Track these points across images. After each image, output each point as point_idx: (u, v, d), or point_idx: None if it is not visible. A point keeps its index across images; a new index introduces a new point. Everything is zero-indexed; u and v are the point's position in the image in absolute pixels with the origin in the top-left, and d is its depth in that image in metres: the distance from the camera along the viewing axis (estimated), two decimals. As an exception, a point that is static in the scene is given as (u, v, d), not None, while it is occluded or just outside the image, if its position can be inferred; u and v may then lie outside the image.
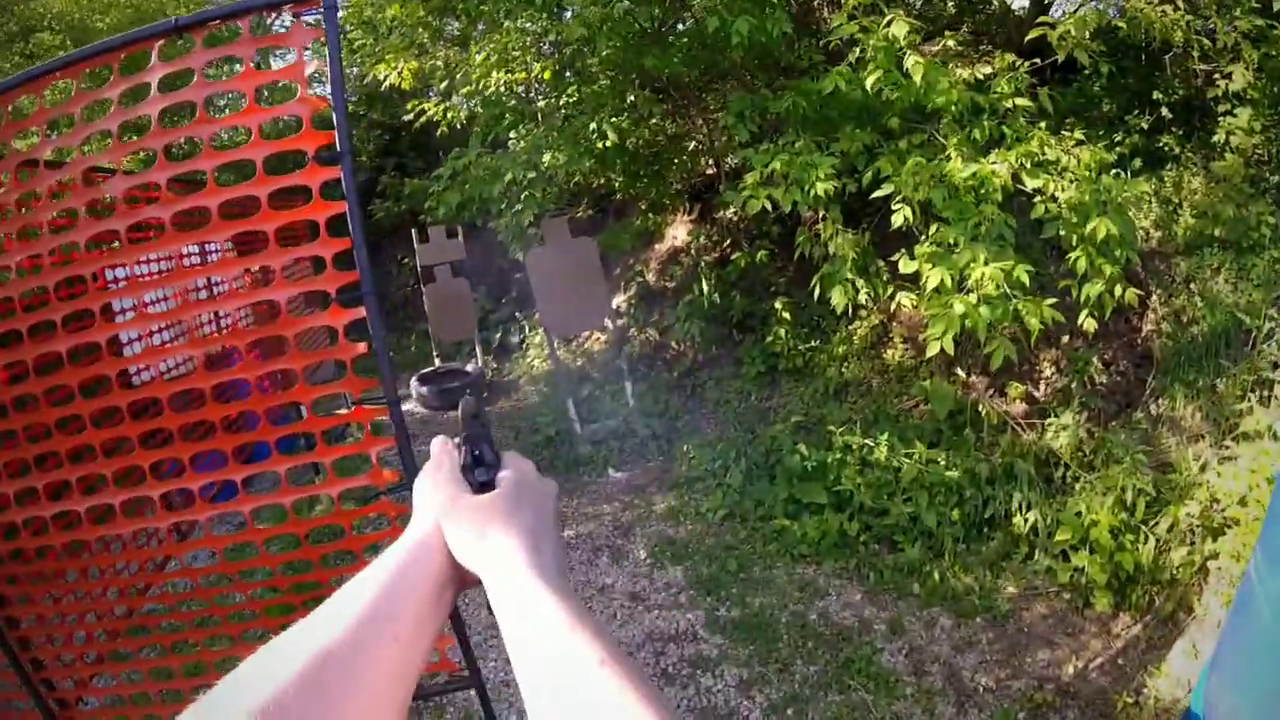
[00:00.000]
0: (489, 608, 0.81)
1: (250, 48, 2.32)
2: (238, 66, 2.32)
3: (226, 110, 8.45)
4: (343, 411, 2.87)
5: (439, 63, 8.48)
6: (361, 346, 2.32)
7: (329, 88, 2.30)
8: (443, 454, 0.97)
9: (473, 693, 3.03)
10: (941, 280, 4.96)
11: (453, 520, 0.86)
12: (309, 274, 3.20)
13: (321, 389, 2.48)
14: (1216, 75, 6.28)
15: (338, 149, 2.22)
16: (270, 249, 2.29)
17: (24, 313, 2.50)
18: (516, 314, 11.32)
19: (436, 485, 0.92)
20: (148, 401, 2.60)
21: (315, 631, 0.72)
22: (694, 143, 9.30)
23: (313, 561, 2.76)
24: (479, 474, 0.95)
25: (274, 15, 2.49)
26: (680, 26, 7.72)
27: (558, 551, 0.86)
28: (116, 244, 2.45)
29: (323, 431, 2.54)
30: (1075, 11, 6.81)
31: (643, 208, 10.06)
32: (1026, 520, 5.34)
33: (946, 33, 6.46)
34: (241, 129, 2.34)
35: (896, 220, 5.34)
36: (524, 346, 10.88)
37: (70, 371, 2.51)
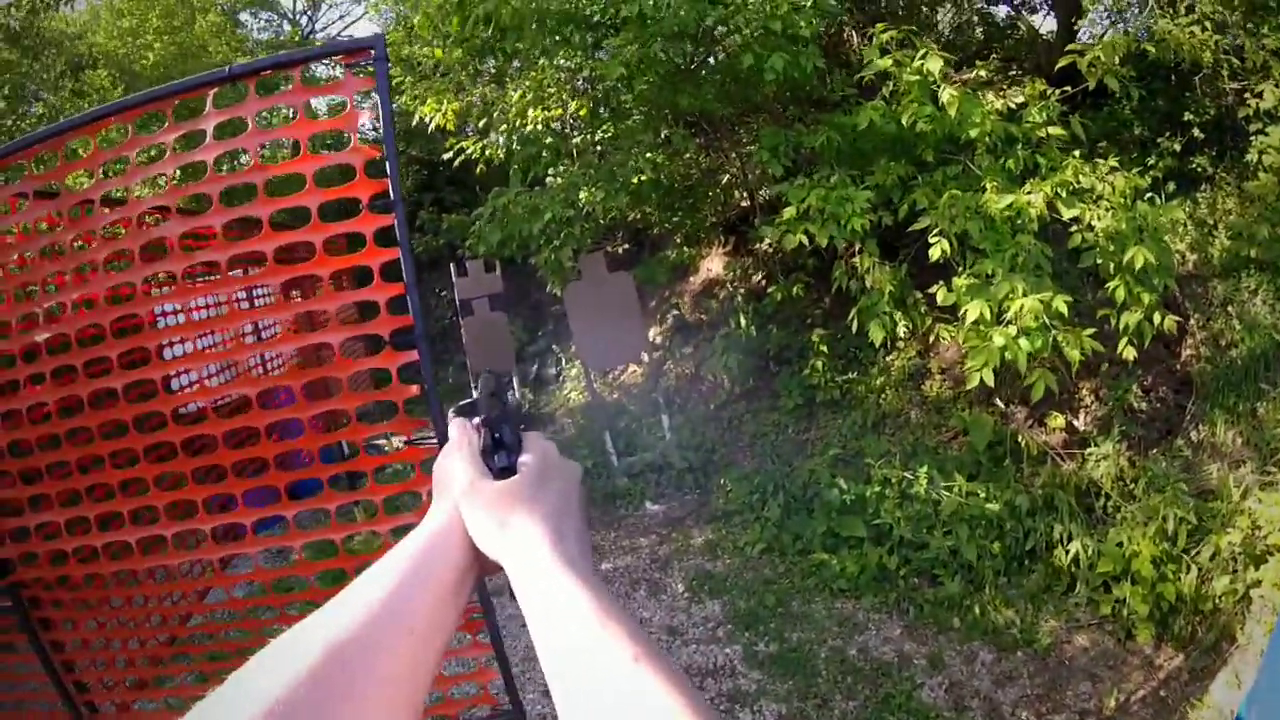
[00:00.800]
0: (511, 594, 0.78)
1: (302, 97, 2.40)
2: (286, 111, 2.40)
3: (276, 154, 8.64)
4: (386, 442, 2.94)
5: (475, 99, 8.60)
6: (414, 389, 2.38)
7: (378, 122, 2.38)
8: (461, 436, 0.92)
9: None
10: (980, 312, 4.96)
11: (473, 506, 0.82)
12: (354, 317, 3.29)
13: (375, 428, 2.54)
14: (1247, 94, 6.26)
15: (390, 197, 2.28)
16: (325, 293, 2.36)
17: (79, 348, 2.59)
18: (553, 346, 11.38)
19: (455, 469, 0.88)
20: (199, 438, 2.67)
21: (326, 625, 0.70)
22: (727, 176, 9.35)
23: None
24: (499, 457, 0.90)
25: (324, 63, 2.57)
26: (711, 61, 7.78)
27: (583, 537, 0.83)
28: (164, 283, 2.54)
29: (374, 469, 2.60)
30: (1103, 36, 6.83)
31: (678, 241, 10.12)
32: (1068, 552, 5.29)
33: (977, 62, 6.48)
34: (294, 174, 2.41)
35: (934, 254, 5.35)
36: (560, 379, 10.93)
37: (124, 408, 2.59)
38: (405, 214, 2.36)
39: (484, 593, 2.64)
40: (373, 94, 2.39)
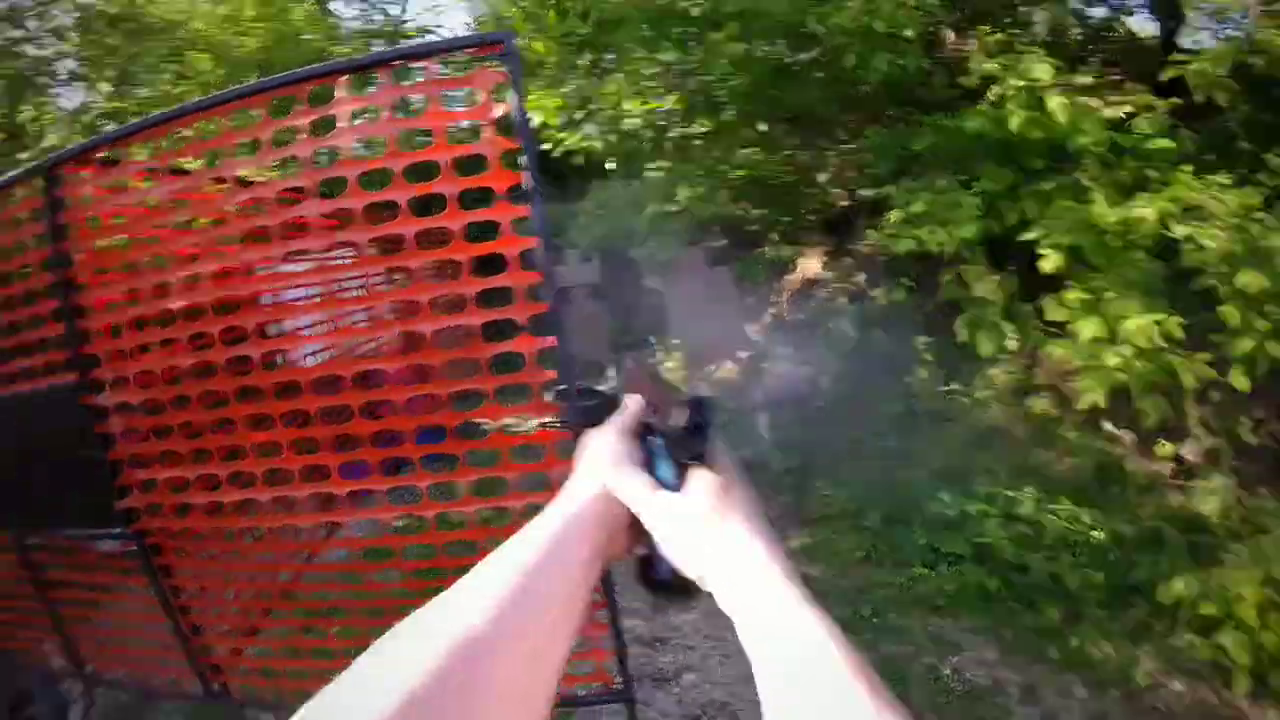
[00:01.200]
0: (647, 582, 0.81)
1: (435, 89, 2.49)
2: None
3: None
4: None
5: (570, 92, 8.59)
6: (550, 373, 2.49)
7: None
8: (634, 421, 0.92)
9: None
10: (1096, 331, 4.81)
11: (670, 506, 0.81)
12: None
13: (515, 409, 2.72)
14: (1362, 106, 5.98)
15: (524, 188, 2.40)
16: (464, 278, 2.40)
17: (215, 316, 2.72)
18: (649, 339, 11.36)
19: (620, 453, 0.86)
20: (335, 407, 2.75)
21: (456, 614, 0.66)
22: (825, 174, 9.23)
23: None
24: (662, 470, 0.85)
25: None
26: (805, 56, 7.68)
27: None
28: (300, 259, 2.58)
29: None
30: (1205, 46, 6.55)
31: (775, 238, 10.02)
32: (1170, 590, 5.09)
33: (1079, 68, 6.27)
34: (430, 162, 2.47)
35: (1047, 266, 5.18)
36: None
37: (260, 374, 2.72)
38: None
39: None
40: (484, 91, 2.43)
